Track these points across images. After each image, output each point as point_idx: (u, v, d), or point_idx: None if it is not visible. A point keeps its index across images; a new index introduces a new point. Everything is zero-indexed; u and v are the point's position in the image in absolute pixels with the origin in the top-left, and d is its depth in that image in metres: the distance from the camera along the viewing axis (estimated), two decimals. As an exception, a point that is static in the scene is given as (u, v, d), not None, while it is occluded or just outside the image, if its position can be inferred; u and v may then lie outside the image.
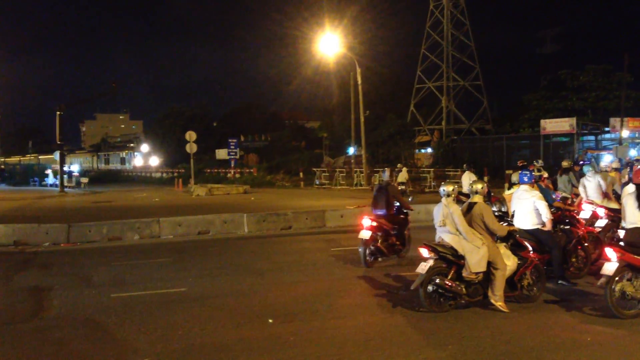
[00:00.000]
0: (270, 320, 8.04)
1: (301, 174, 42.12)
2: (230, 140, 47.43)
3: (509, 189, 11.41)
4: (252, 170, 48.89)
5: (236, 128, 68.72)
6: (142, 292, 10.11)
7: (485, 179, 26.73)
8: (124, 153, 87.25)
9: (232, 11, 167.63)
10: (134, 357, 6.89)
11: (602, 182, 12.15)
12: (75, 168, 53.95)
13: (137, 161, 77.99)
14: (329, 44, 35.56)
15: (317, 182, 40.33)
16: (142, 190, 41.11)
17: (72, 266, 12.79)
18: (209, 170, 52.05)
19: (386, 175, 12.86)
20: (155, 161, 66.71)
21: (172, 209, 24.35)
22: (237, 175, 46.75)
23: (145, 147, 73.64)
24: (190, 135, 34.69)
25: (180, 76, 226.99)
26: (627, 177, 14.00)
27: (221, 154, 49.73)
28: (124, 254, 14.33)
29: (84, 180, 47.83)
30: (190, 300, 9.52)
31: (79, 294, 10.04)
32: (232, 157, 46.61)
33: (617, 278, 7.75)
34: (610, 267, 7.78)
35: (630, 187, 8.22)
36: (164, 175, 58.62)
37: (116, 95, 75.23)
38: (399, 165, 32.25)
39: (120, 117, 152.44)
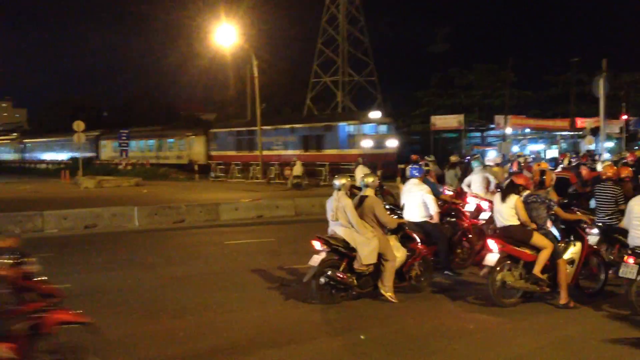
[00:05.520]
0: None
1: (196, 167, 41.40)
2: (121, 131, 45.86)
3: (402, 182, 11.68)
4: (144, 162, 47.49)
5: (128, 119, 66.64)
6: (22, 289, 9.56)
7: (379, 172, 27.35)
8: (6, 142, 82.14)
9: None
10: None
11: (490, 178, 12.65)
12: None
13: (22, 151, 73.62)
14: (225, 35, 35.00)
15: (213, 175, 39.80)
16: (25, 182, 38.94)
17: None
18: (98, 162, 50.14)
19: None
20: (41, 151, 63.41)
21: (58, 201, 23.21)
22: (129, 167, 45.26)
23: (30, 137, 69.76)
24: (79, 126, 33.17)
25: (69, 63, 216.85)
26: (508, 172, 14.71)
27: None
28: (4, 250, 13.51)
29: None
30: (74, 296, 9.05)
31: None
32: (124, 148, 45.08)
33: (498, 268, 8.13)
34: (492, 257, 8.15)
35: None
36: (50, 166, 55.83)
37: None
38: (294, 159, 32.36)
39: (3, 104, 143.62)
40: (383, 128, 36.88)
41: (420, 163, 13.17)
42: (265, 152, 37.05)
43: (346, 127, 36.16)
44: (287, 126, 40.57)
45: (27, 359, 5.21)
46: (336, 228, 8.58)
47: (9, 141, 76.89)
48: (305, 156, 36.39)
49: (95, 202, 22.42)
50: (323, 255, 8.34)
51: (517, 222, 8.31)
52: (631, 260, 7.60)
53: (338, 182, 8.73)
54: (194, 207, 18.22)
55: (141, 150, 51.54)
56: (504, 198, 8.42)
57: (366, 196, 8.79)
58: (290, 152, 38.22)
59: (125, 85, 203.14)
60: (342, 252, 8.41)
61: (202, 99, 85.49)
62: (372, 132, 36.23)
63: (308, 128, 39.21)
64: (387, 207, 9.75)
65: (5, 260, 5.18)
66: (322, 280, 8.29)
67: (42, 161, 60.65)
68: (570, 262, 8.38)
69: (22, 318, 5.21)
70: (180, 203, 19.11)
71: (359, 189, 10.03)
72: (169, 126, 54.72)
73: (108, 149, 53.97)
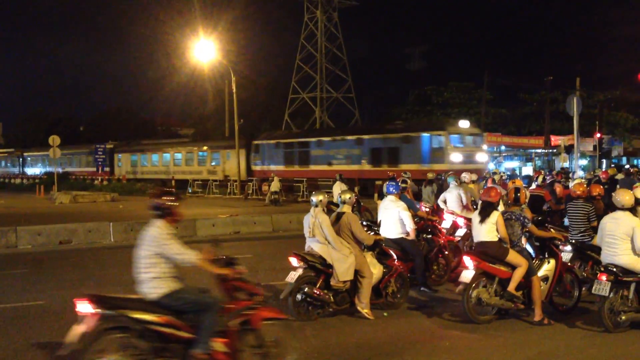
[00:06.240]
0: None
1: (173, 182, 41.18)
2: (97, 146, 45.53)
3: (379, 198, 11.75)
4: (121, 177, 47.11)
5: (105, 133, 66.16)
6: (-6, 306, 9.43)
7: (356, 189, 27.43)
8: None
9: (101, 12, 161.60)
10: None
11: (462, 195, 12.78)
12: None
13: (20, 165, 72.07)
14: (204, 51, 35.09)
15: (190, 191, 39.62)
16: (-1, 197, 38.41)
17: None
18: (74, 177, 49.60)
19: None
20: (15, 166, 62.42)
21: (32, 217, 22.93)
22: (105, 183, 44.88)
23: (29, 150, 68.41)
24: (54, 140, 32.89)
25: (45, 76, 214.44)
26: (483, 189, 14.85)
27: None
28: (-25, 266, 13.30)
29: None
30: (48, 314, 8.98)
31: None
32: (100, 163, 44.75)
33: (473, 285, 8.18)
34: (467, 274, 8.20)
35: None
36: (25, 181, 55.10)
37: None
38: (272, 174, 32.32)
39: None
40: (470, 139, 32.21)
41: (398, 180, 13.26)
42: (323, 168, 34.98)
43: (431, 139, 31.17)
44: (352, 137, 35.34)
45: (236, 352, 5.75)
46: (313, 244, 8.59)
47: (6, 154, 74.84)
48: (374, 172, 32.09)
49: (70, 217, 22.17)
50: (300, 271, 8.34)
51: (495, 239, 8.35)
52: (604, 278, 7.70)
53: (315, 198, 8.75)
54: (171, 223, 18.04)
55: (165, 164, 46.97)
56: (482, 220, 8.43)
57: (343, 213, 8.82)
58: (356, 167, 33.76)
59: (102, 100, 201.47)
60: (319, 268, 8.41)
61: (180, 113, 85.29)
62: (459, 145, 31.39)
63: (381, 139, 33.50)
64: (364, 223, 9.78)
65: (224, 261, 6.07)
66: (299, 296, 8.28)
67: (17, 175, 59.40)
68: (545, 279, 8.46)
69: (235, 315, 5.83)
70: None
71: (337, 205, 10.06)
72: (201, 137, 52.37)
73: (125, 163, 50.23)
